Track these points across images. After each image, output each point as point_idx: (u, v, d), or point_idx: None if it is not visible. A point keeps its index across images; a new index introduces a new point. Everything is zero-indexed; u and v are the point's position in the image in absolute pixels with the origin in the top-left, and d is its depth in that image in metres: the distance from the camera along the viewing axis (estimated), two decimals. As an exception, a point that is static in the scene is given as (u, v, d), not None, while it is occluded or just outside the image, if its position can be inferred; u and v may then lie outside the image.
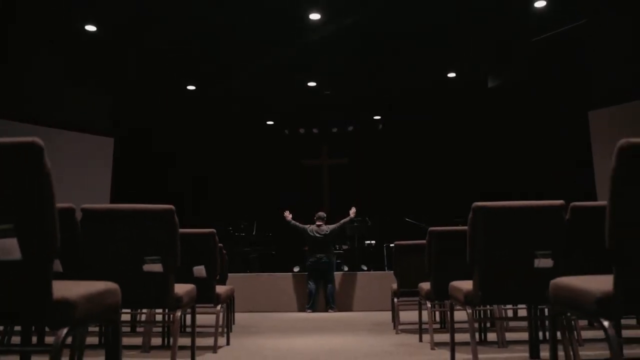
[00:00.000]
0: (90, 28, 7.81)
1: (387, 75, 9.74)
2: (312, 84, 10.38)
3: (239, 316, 6.16)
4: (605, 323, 1.44)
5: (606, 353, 2.77)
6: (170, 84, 9.86)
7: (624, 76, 8.04)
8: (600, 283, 1.50)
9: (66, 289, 1.38)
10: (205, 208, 10.88)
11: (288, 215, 7.88)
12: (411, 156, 11.51)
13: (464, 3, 7.27)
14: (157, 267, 2.38)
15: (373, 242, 10.03)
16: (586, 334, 3.70)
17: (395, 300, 4.66)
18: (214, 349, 3.40)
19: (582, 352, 2.94)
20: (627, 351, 3.04)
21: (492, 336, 3.71)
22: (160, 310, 3.66)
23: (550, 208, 2.43)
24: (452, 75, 9.93)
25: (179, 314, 2.48)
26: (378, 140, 12.10)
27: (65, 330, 1.33)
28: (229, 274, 5.91)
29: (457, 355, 2.92)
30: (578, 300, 1.56)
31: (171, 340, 3.67)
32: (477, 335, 3.68)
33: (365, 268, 9.04)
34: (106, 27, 7.78)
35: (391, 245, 7.35)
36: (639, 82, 7.80)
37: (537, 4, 7.56)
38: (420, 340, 3.88)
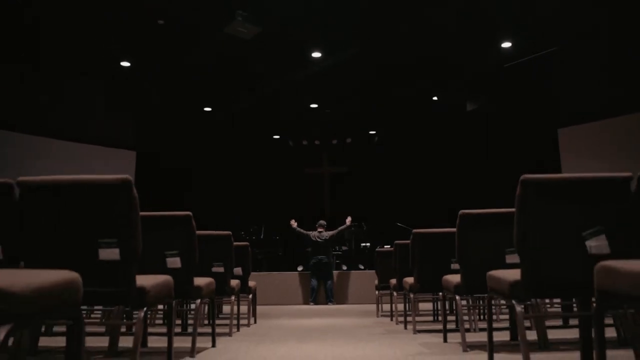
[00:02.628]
0: (125, 63, 9.29)
1: (380, 98, 10.95)
2: (314, 105, 11.61)
3: (255, 307, 7.65)
4: (457, 297, 2.94)
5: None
6: (188, 105, 11.12)
7: (591, 97, 9.04)
8: (455, 277, 3.00)
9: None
10: (216, 214, 12.03)
11: (294, 223, 9.16)
12: (402, 167, 12.56)
13: (444, 40, 8.51)
14: (220, 269, 3.89)
15: (368, 244, 11.14)
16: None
17: (377, 292, 6.21)
18: (248, 324, 4.95)
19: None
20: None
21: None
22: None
23: (459, 233, 3.92)
24: (435, 98, 11.35)
25: (233, 298, 4.00)
26: (373, 152, 13.15)
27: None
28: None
29: (409, 327, 4.44)
30: (447, 286, 3.07)
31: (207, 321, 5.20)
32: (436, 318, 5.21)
33: (362, 267, 10.00)
34: (135, 61, 9.17)
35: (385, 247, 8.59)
36: (604, 103, 8.86)
37: (504, 45, 9.00)
38: (392, 320, 5.41)
